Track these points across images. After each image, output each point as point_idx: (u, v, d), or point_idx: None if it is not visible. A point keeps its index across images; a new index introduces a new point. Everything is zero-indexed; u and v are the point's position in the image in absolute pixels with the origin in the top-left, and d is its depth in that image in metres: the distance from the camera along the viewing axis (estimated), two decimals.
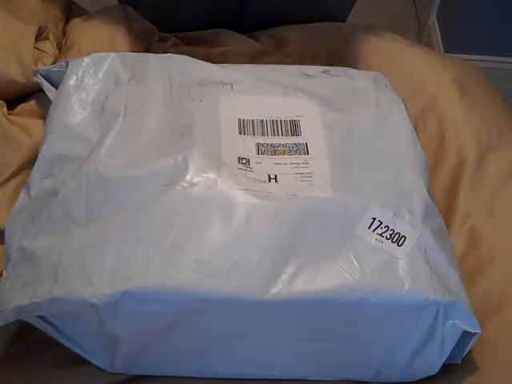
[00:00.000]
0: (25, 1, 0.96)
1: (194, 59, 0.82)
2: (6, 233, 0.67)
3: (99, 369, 0.64)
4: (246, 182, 0.65)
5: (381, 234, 0.63)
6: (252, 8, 1.08)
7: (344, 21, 1.17)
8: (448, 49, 1.67)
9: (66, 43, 0.96)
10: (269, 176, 0.66)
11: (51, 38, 0.94)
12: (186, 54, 0.83)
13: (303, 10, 1.09)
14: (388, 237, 0.63)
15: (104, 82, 0.76)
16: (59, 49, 0.95)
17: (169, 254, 0.59)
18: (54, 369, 0.64)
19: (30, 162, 0.77)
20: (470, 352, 0.64)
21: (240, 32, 1.07)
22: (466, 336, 0.62)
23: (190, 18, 1.07)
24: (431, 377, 0.65)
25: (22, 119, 0.85)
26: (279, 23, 1.08)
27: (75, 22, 0.99)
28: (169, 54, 0.83)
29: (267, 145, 0.70)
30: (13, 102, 0.88)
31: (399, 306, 0.60)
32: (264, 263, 0.60)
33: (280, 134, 0.72)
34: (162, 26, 1.05)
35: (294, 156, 0.69)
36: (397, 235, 0.63)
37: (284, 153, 0.69)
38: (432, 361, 0.63)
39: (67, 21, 1.01)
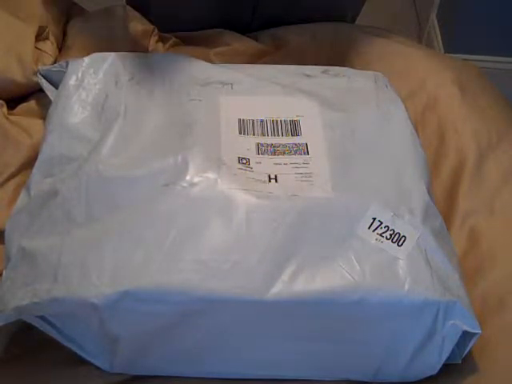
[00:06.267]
0: (25, 1, 0.95)
1: (194, 59, 0.82)
2: (6, 233, 0.67)
3: (99, 369, 0.64)
4: (246, 182, 0.65)
5: (381, 234, 0.63)
6: (266, 8, 1.07)
7: (353, 22, 1.17)
8: (448, 49, 1.67)
9: (66, 43, 0.96)
10: (269, 176, 0.66)
11: (51, 38, 0.93)
12: (186, 54, 0.83)
13: (317, 11, 1.08)
14: (388, 237, 0.63)
15: (104, 81, 0.76)
16: (59, 49, 0.95)
17: (169, 254, 0.59)
18: (54, 369, 0.64)
19: (30, 162, 0.77)
20: (470, 352, 0.64)
21: (247, 32, 1.07)
22: (465, 336, 0.62)
23: (202, 18, 1.07)
24: (431, 377, 0.64)
25: (22, 119, 0.85)
26: (290, 23, 1.08)
27: (75, 21, 0.99)
28: (169, 54, 0.84)
29: (267, 145, 0.70)
30: (13, 102, 0.87)
31: (399, 306, 0.60)
32: (264, 263, 0.60)
33: (280, 133, 0.72)
34: (168, 26, 1.04)
35: (294, 156, 0.69)
36: (397, 235, 0.63)
37: (284, 153, 0.69)
38: (432, 361, 0.63)
39: (67, 21, 1.01)
